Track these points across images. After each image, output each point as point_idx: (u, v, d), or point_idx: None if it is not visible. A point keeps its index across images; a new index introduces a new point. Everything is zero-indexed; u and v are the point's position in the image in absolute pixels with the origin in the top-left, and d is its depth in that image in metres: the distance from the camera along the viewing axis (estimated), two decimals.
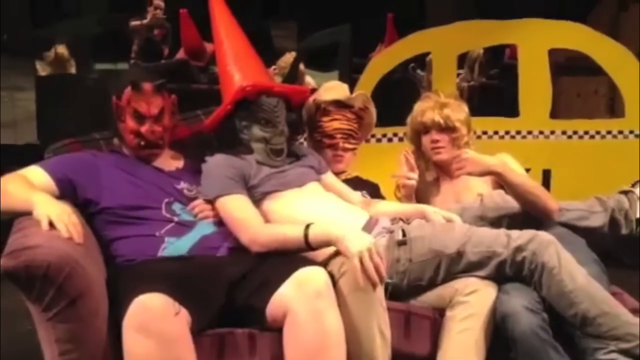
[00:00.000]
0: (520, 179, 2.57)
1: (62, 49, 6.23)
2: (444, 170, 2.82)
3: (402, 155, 2.70)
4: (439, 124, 2.76)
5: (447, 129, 2.76)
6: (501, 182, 2.58)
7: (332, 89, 2.86)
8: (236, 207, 2.27)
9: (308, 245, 2.11)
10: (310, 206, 2.36)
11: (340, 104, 2.81)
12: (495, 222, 2.53)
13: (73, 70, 6.41)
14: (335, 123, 2.79)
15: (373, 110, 2.89)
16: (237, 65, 2.51)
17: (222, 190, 2.30)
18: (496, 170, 2.54)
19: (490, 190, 2.71)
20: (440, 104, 2.80)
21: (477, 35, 4.07)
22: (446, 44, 3.91)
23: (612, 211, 2.55)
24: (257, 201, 2.35)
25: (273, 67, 5.82)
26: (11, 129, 5.40)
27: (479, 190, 2.71)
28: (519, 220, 2.51)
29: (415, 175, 2.68)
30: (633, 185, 2.64)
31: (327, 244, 2.09)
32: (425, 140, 2.82)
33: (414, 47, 4.06)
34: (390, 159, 2.87)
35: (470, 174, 2.57)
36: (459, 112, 2.80)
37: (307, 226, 2.11)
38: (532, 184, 2.59)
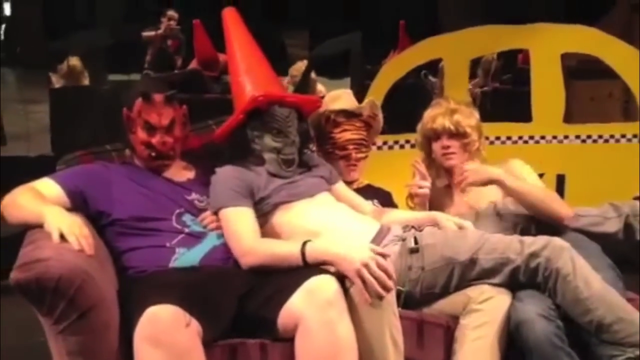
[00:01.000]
0: (523, 186, 2.55)
1: (75, 61, 6.27)
2: (454, 177, 2.81)
3: (413, 164, 2.69)
4: (449, 129, 2.75)
5: (458, 134, 2.76)
6: (504, 190, 2.57)
7: (339, 98, 2.84)
8: (234, 219, 2.26)
9: (305, 264, 2.09)
10: (321, 217, 2.36)
11: (349, 114, 2.80)
12: (509, 229, 2.51)
13: (87, 82, 6.45)
14: (346, 134, 2.78)
15: (380, 116, 2.88)
16: (249, 76, 2.51)
17: (223, 202, 2.30)
18: (497, 178, 2.54)
19: (503, 197, 2.69)
20: (451, 110, 2.79)
21: (489, 40, 4.06)
22: (458, 49, 3.90)
23: (627, 217, 2.52)
24: (268, 212, 2.35)
25: (287, 77, 5.83)
26: (24, 141, 5.43)
27: (492, 196, 2.69)
28: (533, 227, 2.49)
29: (427, 183, 2.67)
30: None
31: (325, 263, 2.07)
32: (436, 146, 2.81)
33: (425, 53, 4.05)
34: (402, 166, 2.86)
35: (472, 184, 2.57)
36: (469, 117, 2.79)
37: (305, 244, 2.10)
38: (536, 191, 2.56)
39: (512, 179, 2.56)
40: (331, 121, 2.78)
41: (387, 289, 1.97)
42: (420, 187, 2.66)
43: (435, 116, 2.80)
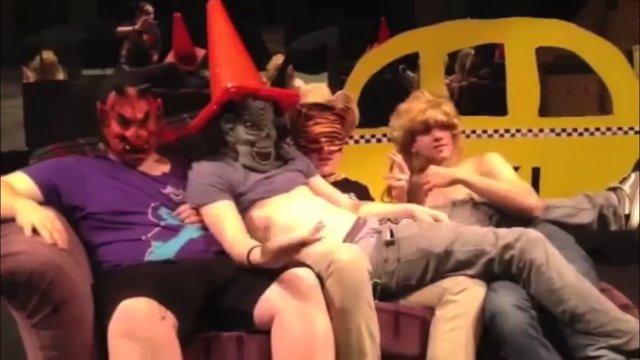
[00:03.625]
0: (489, 183, 2.56)
1: (48, 55, 6.20)
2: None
3: (389, 156, 2.69)
4: (442, 121, 2.75)
5: (449, 126, 2.76)
6: (469, 188, 2.58)
7: (311, 91, 2.84)
8: (216, 215, 2.27)
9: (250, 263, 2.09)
10: (297, 211, 2.36)
11: (321, 107, 2.79)
12: (485, 220, 2.52)
13: (61, 76, 6.39)
14: (318, 127, 2.78)
15: (355, 109, 2.87)
16: (227, 68, 2.51)
17: (203, 198, 2.30)
18: (461, 178, 2.55)
19: None
20: (437, 102, 2.80)
21: (465, 34, 4.08)
22: (434, 43, 3.92)
23: (601, 208, 2.54)
24: (245, 208, 2.35)
25: (264, 72, 5.81)
26: None
27: (469, 189, 2.69)
28: (508, 219, 2.50)
29: (405, 175, 2.67)
30: (621, 182, 2.63)
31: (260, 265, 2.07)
32: (425, 139, 2.79)
33: (402, 47, 4.06)
34: (379, 160, 2.87)
35: (436, 186, 2.57)
36: (452, 108, 2.82)
37: (252, 249, 2.09)
38: (502, 187, 2.55)
39: (476, 177, 2.57)
40: (303, 114, 2.77)
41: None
42: (398, 180, 2.66)
43: (424, 109, 2.78)
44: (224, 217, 2.27)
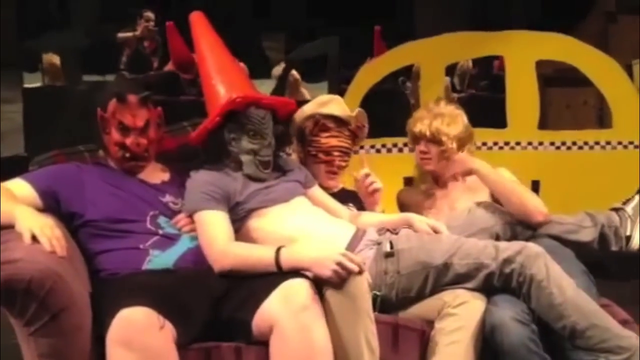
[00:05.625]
0: (501, 179, 2.58)
1: (52, 58, 6.19)
2: (438, 181, 2.81)
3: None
4: (425, 135, 2.76)
5: (435, 141, 2.76)
6: (479, 178, 2.61)
7: (331, 103, 2.80)
8: (208, 223, 2.24)
9: (279, 269, 2.08)
10: (296, 222, 2.35)
11: (339, 121, 2.77)
12: (484, 233, 2.51)
13: (61, 81, 6.39)
14: (333, 140, 2.76)
15: (367, 128, 2.86)
16: (221, 78, 2.50)
17: (198, 205, 2.28)
18: (475, 167, 2.58)
19: (483, 201, 2.69)
20: (434, 114, 2.79)
21: (465, 46, 4.09)
22: (434, 55, 3.93)
23: (602, 227, 2.53)
24: (242, 218, 2.33)
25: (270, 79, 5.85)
26: None
27: (474, 200, 2.68)
28: (509, 231, 2.50)
29: (376, 179, 2.68)
30: (625, 203, 2.63)
31: (299, 269, 2.07)
32: (417, 149, 2.83)
33: (402, 59, 4.08)
34: (378, 170, 2.86)
35: (454, 172, 2.61)
36: (450, 125, 2.77)
37: (279, 250, 2.10)
38: (513, 186, 2.58)
39: (490, 170, 2.59)
40: (320, 125, 2.75)
41: (362, 272, 2.02)
42: (373, 183, 2.67)
43: (416, 119, 2.82)
44: (215, 225, 2.24)
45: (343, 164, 2.79)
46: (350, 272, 1.99)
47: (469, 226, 2.52)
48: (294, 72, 5.78)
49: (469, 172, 2.62)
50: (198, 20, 2.62)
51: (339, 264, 1.99)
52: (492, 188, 2.60)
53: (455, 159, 2.61)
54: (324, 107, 2.78)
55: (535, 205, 2.52)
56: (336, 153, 2.76)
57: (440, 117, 2.78)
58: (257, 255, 2.14)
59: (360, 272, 2.01)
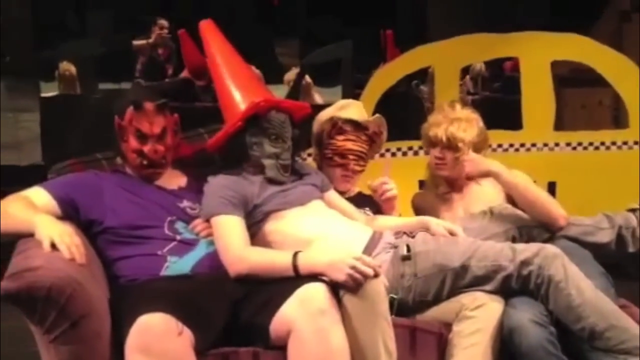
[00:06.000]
0: (521, 181, 2.56)
1: (68, 66, 6.24)
2: (454, 184, 2.80)
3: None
4: (442, 141, 2.74)
5: (451, 147, 2.74)
6: (500, 183, 2.58)
7: (349, 106, 2.82)
8: (224, 227, 2.25)
9: (297, 274, 2.09)
10: (314, 225, 2.35)
11: (356, 125, 2.77)
12: (501, 235, 2.51)
13: (78, 90, 6.44)
14: (349, 143, 2.76)
15: (385, 135, 2.86)
16: (237, 84, 2.50)
17: (214, 210, 2.29)
18: (494, 170, 2.55)
19: (501, 204, 2.68)
20: (450, 119, 2.76)
21: (479, 48, 4.08)
22: (448, 57, 3.92)
23: (620, 228, 2.52)
24: (260, 221, 2.34)
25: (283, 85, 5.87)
26: (15, 150, 5.42)
27: (490, 203, 2.67)
28: (526, 234, 2.49)
29: (393, 184, 2.68)
30: None
31: (315, 274, 2.08)
32: (431, 153, 2.81)
33: (416, 62, 4.07)
34: (394, 174, 2.85)
35: (469, 174, 2.56)
36: (466, 130, 2.75)
37: (296, 255, 2.10)
38: (534, 188, 2.58)
39: (509, 173, 2.56)
40: (337, 128, 2.76)
41: (377, 275, 2.02)
42: (389, 190, 2.66)
43: (432, 124, 2.79)
44: (231, 230, 2.24)
45: (358, 168, 2.79)
46: (365, 276, 2.00)
47: (486, 229, 2.51)
48: (306, 77, 5.80)
49: (486, 175, 2.59)
50: (208, 28, 2.63)
51: (354, 267, 1.99)
52: (513, 191, 2.56)
53: (472, 159, 2.57)
54: (342, 111, 2.79)
55: (558, 210, 2.51)
56: (351, 157, 2.76)
57: (457, 122, 2.76)
58: (274, 260, 2.15)
59: (375, 276, 2.01)
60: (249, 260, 2.17)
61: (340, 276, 2.01)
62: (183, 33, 5.79)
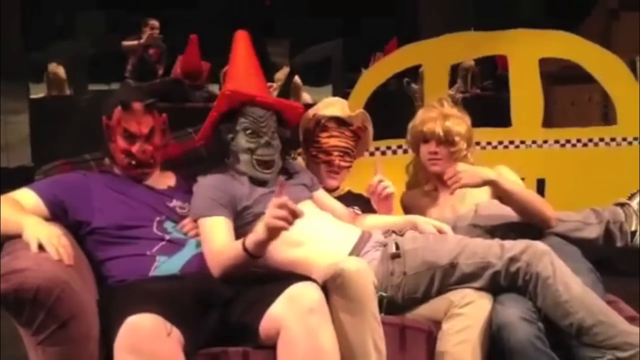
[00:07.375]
0: (517, 187, 2.56)
1: (56, 68, 6.23)
2: (443, 181, 2.80)
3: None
4: (438, 135, 2.74)
5: (447, 142, 2.74)
6: (498, 191, 2.58)
7: (333, 104, 2.84)
8: (209, 229, 2.25)
9: (250, 255, 2.08)
10: (303, 226, 2.34)
11: (339, 121, 2.79)
12: (489, 232, 2.52)
13: (67, 91, 6.43)
14: (333, 140, 2.78)
15: (371, 130, 2.87)
16: (232, 73, 2.52)
17: (201, 211, 2.29)
18: (492, 179, 2.53)
19: (487, 200, 2.69)
20: (444, 115, 2.77)
21: (468, 46, 4.07)
22: (437, 56, 3.91)
23: (607, 223, 2.53)
24: (250, 222, 2.33)
25: (273, 84, 5.88)
26: (4, 152, 5.40)
27: (477, 200, 2.69)
28: (513, 231, 2.50)
29: (389, 182, 2.66)
30: (630, 198, 2.62)
31: (261, 244, 2.06)
32: (424, 149, 2.80)
33: (405, 60, 4.06)
34: (384, 173, 2.85)
35: (465, 186, 2.55)
36: (460, 125, 2.77)
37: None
38: (528, 193, 2.59)
39: (506, 180, 2.56)
40: (321, 125, 2.77)
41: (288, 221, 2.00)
42: (386, 187, 2.65)
43: (426, 119, 2.78)
44: (216, 230, 2.24)
45: (344, 164, 2.80)
46: (293, 213, 1.98)
47: (474, 226, 2.53)
48: (296, 77, 5.82)
49: (483, 184, 2.54)
50: (242, 37, 2.61)
51: (271, 213, 1.98)
52: (509, 198, 2.53)
53: (466, 170, 2.53)
54: (325, 109, 2.80)
55: (549, 212, 2.51)
56: (336, 153, 2.77)
57: (451, 117, 2.77)
58: (235, 250, 2.12)
59: (287, 220, 1.99)
60: (220, 259, 2.16)
61: (271, 231, 2.00)
62: (194, 38, 5.95)
